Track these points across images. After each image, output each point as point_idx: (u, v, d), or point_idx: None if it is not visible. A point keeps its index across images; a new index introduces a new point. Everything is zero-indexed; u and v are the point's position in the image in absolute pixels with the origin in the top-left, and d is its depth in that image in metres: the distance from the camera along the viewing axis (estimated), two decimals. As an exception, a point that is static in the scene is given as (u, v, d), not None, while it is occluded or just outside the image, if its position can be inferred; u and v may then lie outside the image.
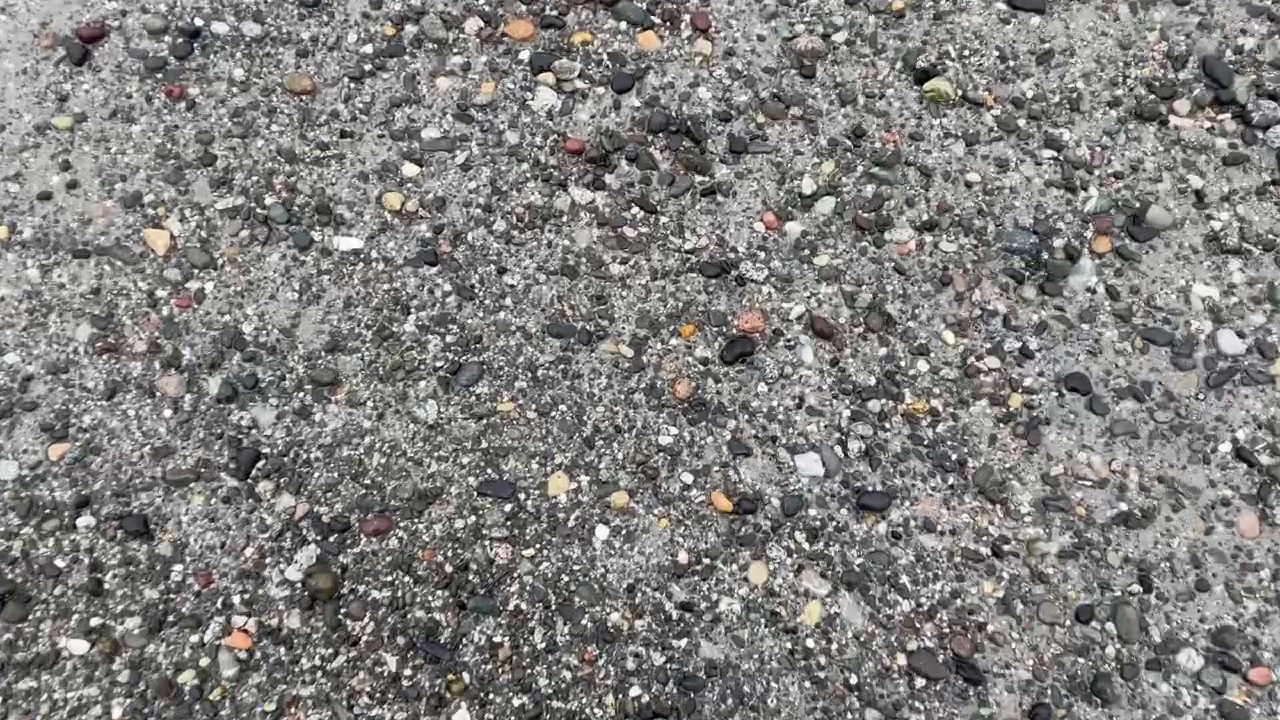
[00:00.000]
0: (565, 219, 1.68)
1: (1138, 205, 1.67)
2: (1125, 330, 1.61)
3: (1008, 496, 1.52)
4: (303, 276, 1.64)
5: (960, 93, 1.75)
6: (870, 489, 1.52)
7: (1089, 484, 1.53)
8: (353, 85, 1.75)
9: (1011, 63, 1.77)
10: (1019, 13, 1.80)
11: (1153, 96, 1.75)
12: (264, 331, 1.60)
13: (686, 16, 1.79)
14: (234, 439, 1.54)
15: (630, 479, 1.53)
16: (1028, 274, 1.64)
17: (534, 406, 1.57)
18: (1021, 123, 1.73)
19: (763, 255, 1.66)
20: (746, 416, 1.56)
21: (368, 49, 1.77)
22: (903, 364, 1.59)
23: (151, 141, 1.71)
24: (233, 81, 1.75)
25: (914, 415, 1.56)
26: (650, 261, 1.66)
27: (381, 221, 1.68)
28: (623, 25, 1.79)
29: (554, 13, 1.80)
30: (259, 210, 1.67)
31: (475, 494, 1.52)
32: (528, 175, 1.71)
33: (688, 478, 1.53)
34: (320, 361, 1.59)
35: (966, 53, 1.77)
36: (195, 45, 1.76)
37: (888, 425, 1.56)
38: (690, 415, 1.56)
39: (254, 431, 1.55)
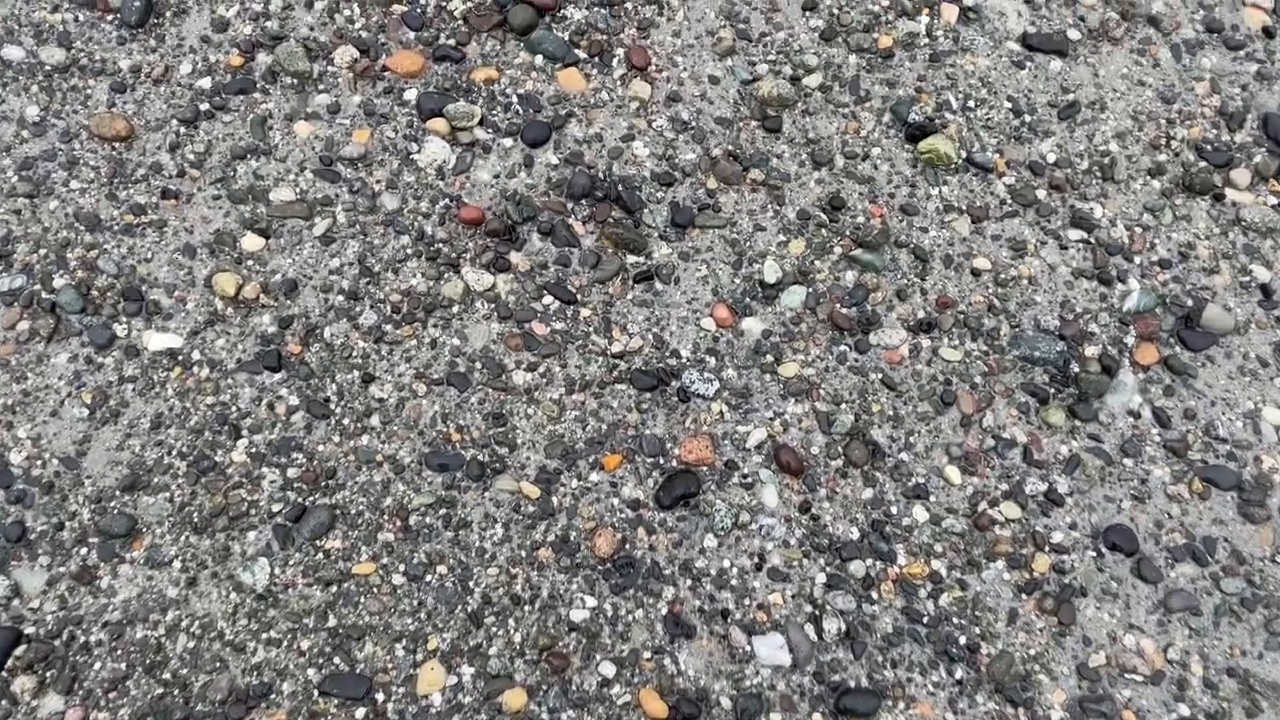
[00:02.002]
0: (456, 310, 1.28)
1: (1190, 303, 1.31)
2: (1179, 468, 1.24)
3: (1033, 696, 1.14)
4: (97, 386, 1.22)
5: (964, 154, 1.38)
6: (853, 685, 1.13)
7: (1139, 679, 1.15)
8: (183, 130, 1.35)
9: (1028, 117, 1.40)
10: (1035, 55, 1.44)
11: (1204, 164, 1.39)
12: (38, 462, 1.18)
13: (620, 51, 1.41)
14: (-16, 615, 1.12)
15: (530, 671, 1.13)
16: (1053, 392, 1.27)
17: (402, 568, 1.16)
18: (1041, 194, 1.37)
19: (712, 362, 1.27)
20: (689, 582, 1.17)
21: (205, 83, 1.37)
22: (894, 511, 1.21)
23: (-94, 200, 1.29)
24: (24, 122, 1.33)
25: (909, 582, 1.18)
26: (566, 368, 1.26)
27: (210, 312, 1.27)
28: (538, 60, 1.40)
29: (450, 42, 1.40)
30: (45, 295, 1.26)
31: (316, 693, 1.11)
32: (409, 252, 1.31)
33: (608, 669, 1.13)
34: (113, 504, 1.17)
35: (971, 104, 1.41)
36: (-24, 74, 1.35)
37: (875, 596, 1.17)
38: (614, 580, 1.17)
39: (15, 603, 1.13)
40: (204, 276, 1.28)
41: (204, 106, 1.36)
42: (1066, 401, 1.26)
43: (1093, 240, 1.34)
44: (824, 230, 1.34)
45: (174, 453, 1.20)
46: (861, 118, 1.40)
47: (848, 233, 1.34)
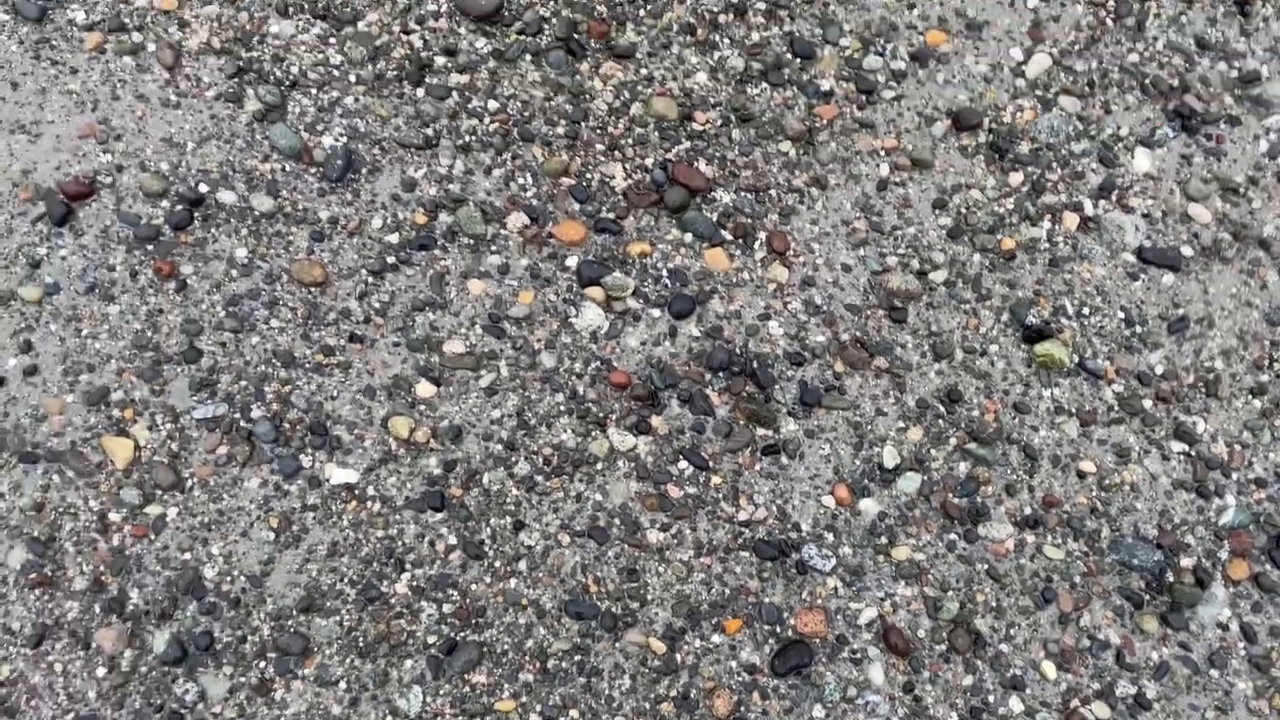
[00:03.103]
0: (600, 468, 1.42)
1: (1283, 523, 1.40)
2: (1262, 683, 1.32)
3: None
4: (283, 511, 1.38)
5: (1077, 359, 1.49)
6: None
7: None
8: (371, 280, 1.51)
9: (1138, 328, 1.51)
10: (1149, 268, 1.55)
11: (1305, 388, 1.48)
12: (229, 577, 1.34)
13: (762, 235, 1.55)
14: (175, 714, 1.27)
15: (648, 817, 1.24)
16: (1148, 598, 1.36)
17: (539, 708, 1.29)
18: (1147, 404, 1.47)
19: (831, 538, 1.39)
20: (796, 747, 1.28)
21: (393, 238, 1.53)
22: (991, 700, 1.31)
23: (130, 326, 1.47)
24: (233, 262, 1.51)
25: (1001, 768, 1.27)
26: (696, 531, 1.39)
27: (384, 451, 1.42)
28: (688, 238, 1.55)
29: (611, 215, 1.56)
30: (243, 423, 1.42)
31: (457, 818, 1.24)
32: (561, 409, 1.45)
33: (718, 822, 1.24)
34: (291, 623, 1.32)
35: (1086, 310, 1.52)
36: (196, 215, 1.53)
37: (968, 779, 1.27)
38: (728, 738, 1.28)
39: (200, 707, 1.28)
40: (381, 417, 1.44)
41: (390, 260, 1.52)
42: (1160, 609, 1.35)
43: (1193, 453, 1.44)
44: (941, 421, 1.45)
45: (346, 580, 1.35)
46: (982, 315, 1.52)
47: (963, 425, 1.45)
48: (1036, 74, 1.65)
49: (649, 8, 1.67)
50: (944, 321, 1.51)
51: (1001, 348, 1.50)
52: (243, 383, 1.45)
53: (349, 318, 1.49)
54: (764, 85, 1.63)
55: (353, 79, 1.62)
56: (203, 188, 1.54)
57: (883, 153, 1.60)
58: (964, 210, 1.57)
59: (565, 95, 1.62)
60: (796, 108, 1.62)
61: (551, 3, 1.67)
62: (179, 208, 1.53)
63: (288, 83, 1.61)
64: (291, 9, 1.65)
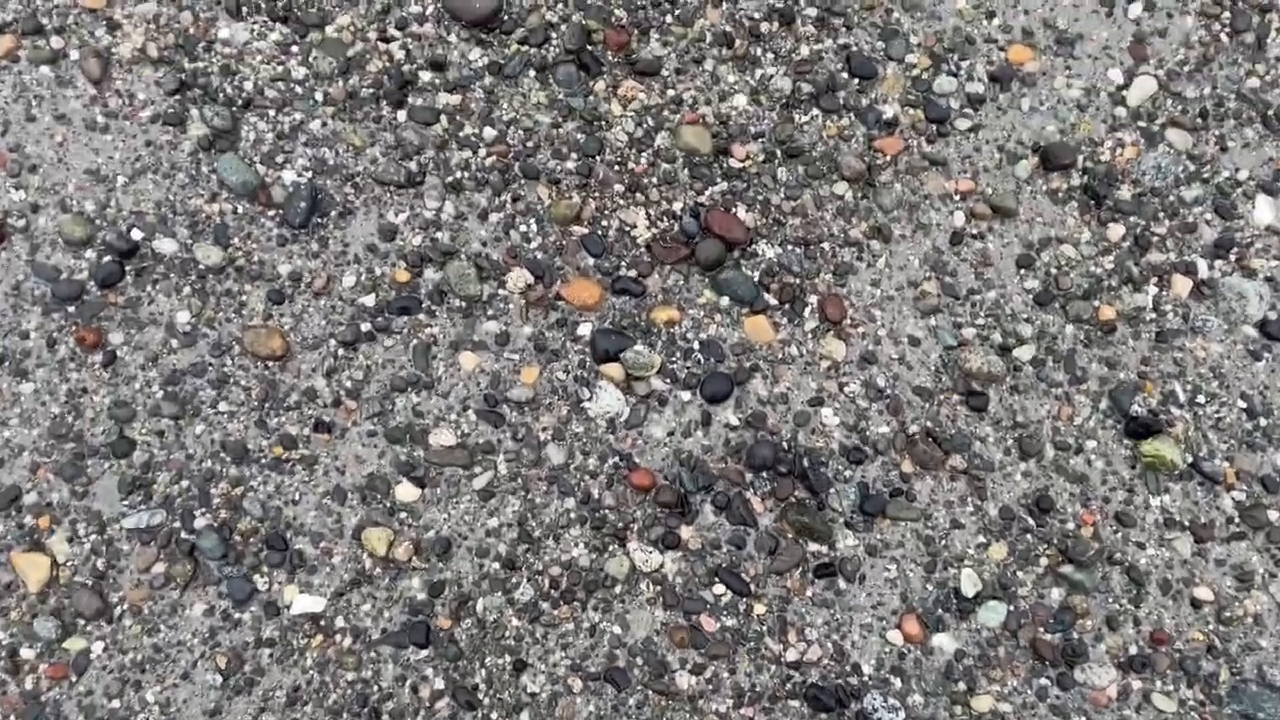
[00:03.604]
0: (619, 591, 1.18)
1: None
2: None
3: None
4: (233, 647, 1.13)
5: (1190, 459, 1.24)
6: None
7: None
8: (341, 352, 1.25)
9: (1263, 421, 1.26)
10: (1275, 344, 1.29)
11: None
12: (166, 733, 1.10)
13: (813, 299, 1.29)
14: None
15: None
16: (1279, 763, 1.13)
17: None
18: (1273, 516, 1.23)
19: (898, 684, 1.15)
20: None
21: (369, 300, 1.27)
22: None
23: (46, 410, 1.20)
24: (173, 329, 1.24)
25: None
26: (735, 675, 1.15)
27: (357, 570, 1.17)
28: (724, 302, 1.29)
29: (631, 273, 1.29)
30: (184, 535, 1.17)
31: None
32: (572, 516, 1.20)
33: None
34: (242, 792, 1.08)
35: (1201, 398, 1.27)
36: (128, 269, 1.26)
37: None
38: None
39: None
40: (353, 527, 1.18)
41: (365, 326, 1.26)
42: (1293, 776, 1.13)
43: (1331, 580, 1.20)
44: (1029, 535, 1.21)
45: (309, 737, 1.11)
46: (1076, 402, 1.26)
47: (1055, 540, 1.21)
48: (1139, 101, 1.38)
49: (677, 13, 1.39)
50: (1032, 410, 1.26)
51: (1100, 444, 1.25)
52: (184, 483, 1.19)
53: (314, 400, 1.23)
54: (815, 111, 1.36)
55: (320, 98, 1.33)
56: (136, 234, 1.27)
57: (957, 197, 1.34)
58: (1054, 270, 1.31)
59: (577, 121, 1.34)
60: (854, 140, 1.35)
61: (560, 5, 1.39)
62: (107, 259, 1.26)
63: (240, 102, 1.32)
64: (245, 9, 1.36)
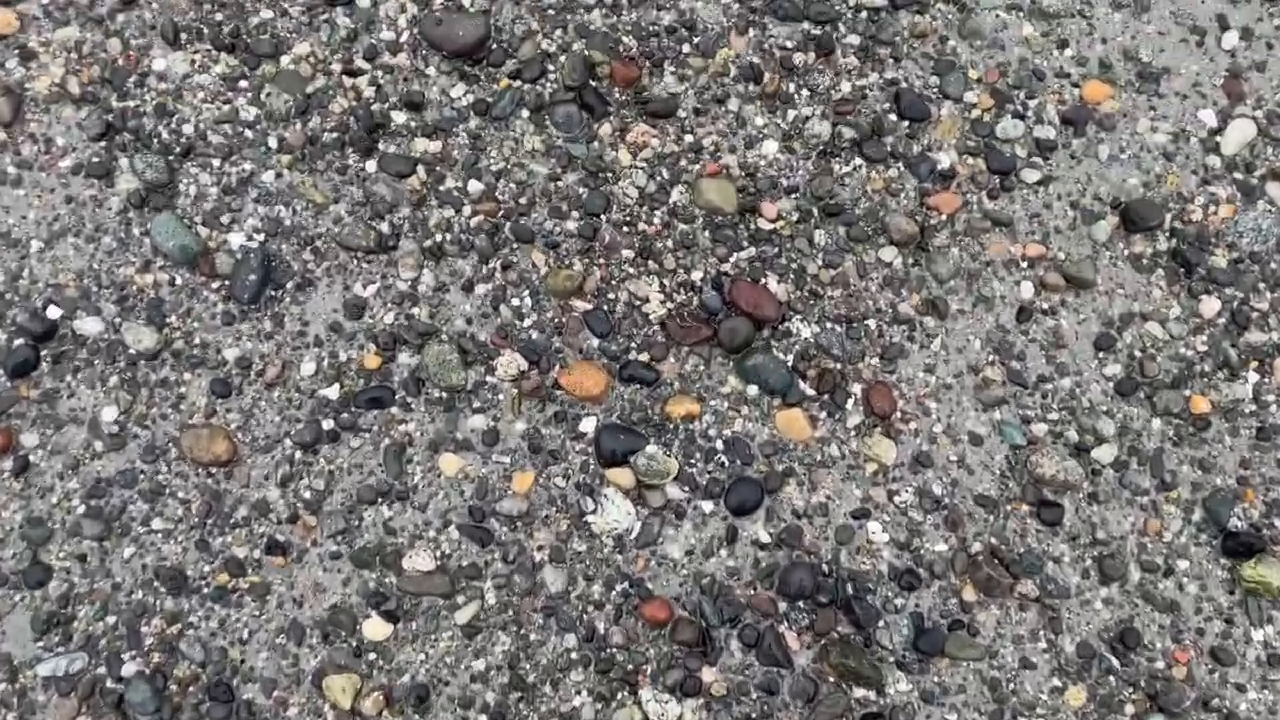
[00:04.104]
0: (629, 748, 0.99)
1: None
2: None
3: None
4: (169, 825, 0.95)
5: (1299, 584, 1.06)
6: None
7: None
8: (299, 456, 1.05)
9: (1384, 538, 1.08)
10: (1396, 445, 1.11)
11: None
12: None
13: (857, 388, 1.10)
14: None
15: None
16: None
17: None
18: (1399, 653, 1.05)
19: None
20: None
21: (331, 391, 1.07)
22: None
23: (-56, 531, 1.01)
24: (98, 429, 1.04)
25: None
26: None
27: (317, 726, 0.98)
28: (752, 391, 1.09)
29: (643, 357, 1.09)
30: (110, 683, 0.98)
31: None
32: (574, 657, 1.01)
33: None
34: None
35: (1311, 510, 1.08)
36: (44, 354, 1.06)
37: None
38: None
39: None
40: (313, 670, 1.00)
41: (328, 424, 1.06)
42: None
43: None
44: (1112, 677, 1.03)
45: None
46: (1165, 513, 1.08)
47: (1142, 683, 1.02)
48: (1236, 149, 1.18)
49: (696, 42, 1.18)
50: (1113, 523, 1.07)
51: (1194, 564, 1.06)
52: (110, 619, 1.00)
53: (267, 515, 1.04)
54: (858, 161, 1.16)
55: (274, 144, 1.13)
56: (53, 311, 1.07)
57: (1024, 264, 1.14)
58: (1138, 353, 1.12)
59: (578, 172, 1.14)
60: (904, 195, 1.15)
61: (558, 32, 1.18)
62: (18, 343, 1.06)
63: (178, 149, 1.12)
64: (184, 36, 1.15)
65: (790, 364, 1.10)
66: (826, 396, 1.09)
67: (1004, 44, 1.20)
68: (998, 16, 1.21)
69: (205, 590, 1.01)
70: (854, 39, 1.19)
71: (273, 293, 1.09)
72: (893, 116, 1.17)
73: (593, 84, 1.16)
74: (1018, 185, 1.16)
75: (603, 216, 1.13)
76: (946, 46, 1.20)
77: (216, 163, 1.12)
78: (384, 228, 1.11)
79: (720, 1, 1.20)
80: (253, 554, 1.02)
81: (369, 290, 1.10)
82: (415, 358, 1.08)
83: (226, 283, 1.09)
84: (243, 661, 1.00)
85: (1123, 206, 1.16)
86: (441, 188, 1.13)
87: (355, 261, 1.11)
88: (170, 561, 1.02)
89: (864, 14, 1.20)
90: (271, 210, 1.11)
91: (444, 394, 1.08)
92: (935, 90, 1.18)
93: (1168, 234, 1.16)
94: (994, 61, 1.20)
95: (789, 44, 1.19)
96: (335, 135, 1.13)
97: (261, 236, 1.10)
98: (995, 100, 1.18)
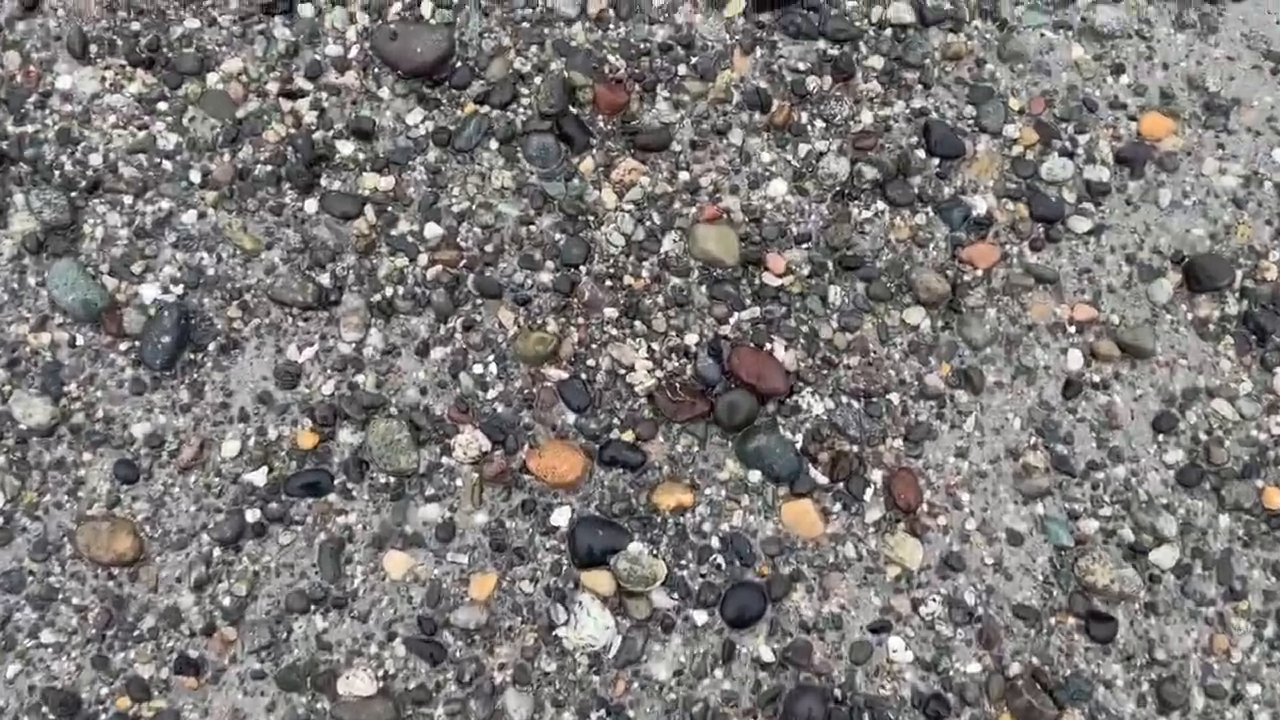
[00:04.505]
0: None
1: None
2: None
3: None
4: None
5: (1391, 716, 0.90)
6: None
7: None
8: (218, 555, 0.89)
9: None
10: None
11: None
12: None
13: (877, 476, 0.94)
14: None
15: None
16: None
17: None
18: None
19: None
20: None
21: (257, 476, 0.91)
22: None
23: None
24: (-20, 519, 0.88)
25: None
26: None
27: None
28: (754, 478, 0.93)
29: (626, 436, 0.93)
30: (-16, 834, 0.82)
31: None
32: (539, 798, 0.86)
33: None
34: None
35: (1405, 627, 0.93)
36: (-83, 429, 0.89)
37: None
38: None
39: None
40: (228, 817, 0.84)
41: (252, 516, 0.90)
42: None
43: None
44: (1172, 828, 0.88)
45: None
46: (1234, 628, 0.92)
47: (1207, 834, 0.87)
48: (1316, 195, 1.02)
49: (694, 62, 1.02)
50: (1174, 640, 0.92)
51: (1266, 688, 0.91)
52: (-14, 754, 0.84)
53: (178, 626, 0.88)
54: (880, 205, 1.00)
55: (196, 179, 0.96)
56: (-70, 378, 0.90)
57: (1072, 329, 0.98)
58: (1204, 436, 0.96)
59: (554, 215, 0.98)
60: (933, 245, 0.99)
61: (534, 50, 1.01)
62: (-114, 416, 0.89)
63: (83, 184, 0.95)
64: (95, 48, 0.98)
65: (799, 446, 0.94)
66: (841, 485, 0.93)
67: (1050, 69, 1.04)
68: (1043, 36, 1.05)
69: (103, 717, 0.85)
70: (877, 61, 1.03)
71: (191, 356, 0.93)
72: (921, 153, 1.01)
73: (573, 111, 0.99)
74: (1065, 235, 1.00)
75: (582, 268, 0.97)
76: (984, 71, 1.03)
77: (128, 200, 0.95)
78: (325, 279, 0.95)
79: (723, 14, 1.03)
80: (160, 673, 0.86)
81: (305, 354, 0.93)
82: (358, 435, 0.92)
83: (136, 344, 0.92)
84: (145, 805, 0.84)
85: (1186, 262, 1.00)
86: (394, 232, 0.96)
87: (290, 319, 0.94)
88: (62, 682, 0.86)
89: (889, 31, 1.04)
90: (192, 257, 0.94)
91: (391, 479, 0.91)
92: (970, 122, 1.02)
93: (1238, 295, 1.00)
94: (1039, 89, 1.03)
95: (801, 66, 1.02)
96: (270, 169, 0.97)
97: (179, 289, 0.94)
98: (1040, 135, 1.02)
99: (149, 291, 0.93)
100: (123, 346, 0.93)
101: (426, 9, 1.01)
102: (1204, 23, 1.06)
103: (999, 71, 1.04)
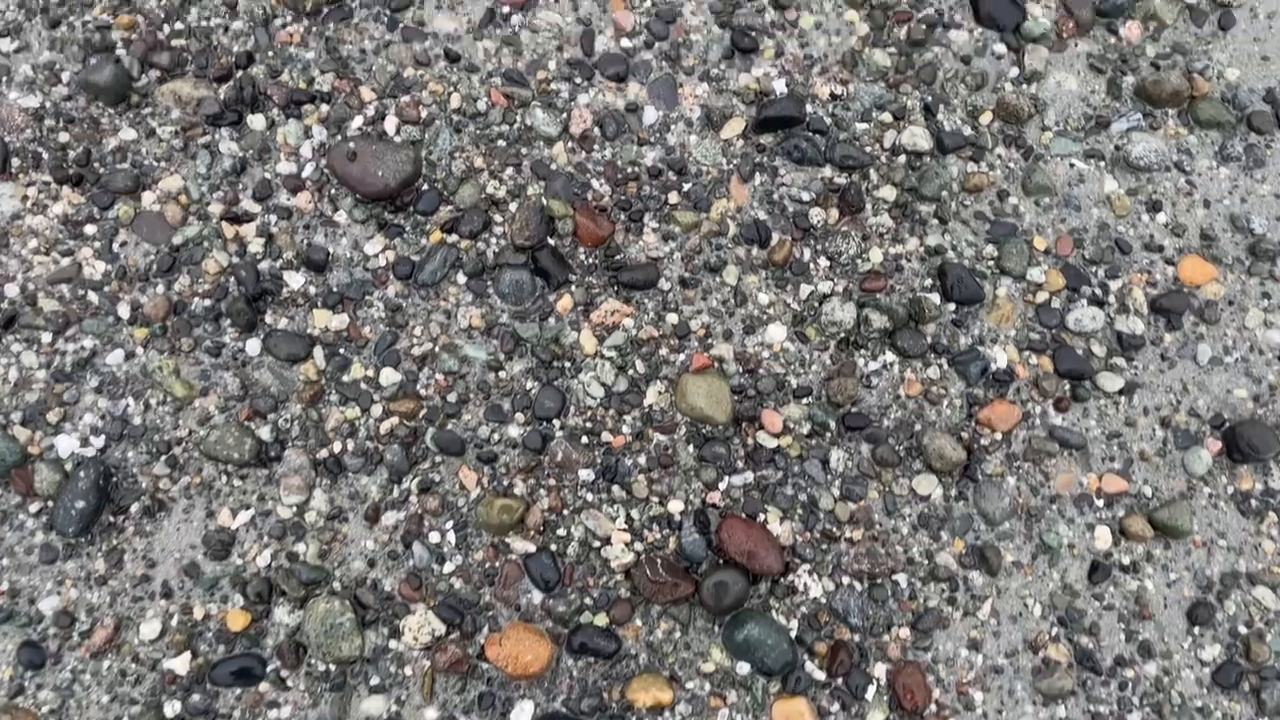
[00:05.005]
0: None
1: None
2: None
3: None
4: None
5: None
6: None
7: None
8: (129, 755, 0.78)
9: None
10: None
11: None
12: None
13: (880, 670, 0.83)
14: None
15: None
16: None
17: None
18: None
19: None
20: None
21: (179, 663, 0.80)
22: None
23: None
24: None
25: None
26: None
27: None
28: (742, 669, 0.82)
29: (599, 620, 0.83)
30: None
31: None
32: None
33: None
34: None
35: None
36: None
37: None
38: None
39: None
40: None
41: (172, 709, 0.79)
42: None
43: None
44: None
45: None
46: None
47: None
48: (1369, 352, 0.92)
49: (686, 189, 0.91)
50: None
51: None
52: None
53: (81, 840, 0.77)
54: (888, 356, 0.89)
55: (125, 313, 0.86)
56: None
57: (1099, 501, 0.88)
58: (1244, 629, 0.86)
59: (527, 360, 0.87)
60: (947, 403, 0.89)
61: (510, 172, 0.91)
62: None
63: (-3, 319, 0.85)
64: (17, 161, 0.88)
65: (794, 634, 0.83)
66: (840, 681, 0.83)
67: (1079, 204, 0.94)
68: (1072, 167, 0.95)
69: None
70: (889, 192, 0.93)
71: (110, 519, 0.82)
72: (935, 297, 0.91)
73: (551, 242, 0.89)
74: (1093, 394, 0.90)
75: (556, 421, 0.86)
76: (1006, 205, 0.94)
77: (47, 338, 0.85)
78: (265, 432, 0.84)
79: (720, 136, 0.93)
80: None
81: (240, 519, 0.83)
82: (296, 615, 0.81)
83: (48, 505, 0.82)
84: None
85: (1226, 427, 0.90)
86: (345, 378, 0.86)
87: (224, 478, 0.84)
88: None
89: (902, 159, 0.94)
90: (116, 405, 0.84)
91: (332, 667, 0.81)
92: (991, 263, 0.92)
93: (1283, 466, 0.90)
94: (1066, 227, 0.94)
95: (805, 196, 0.92)
96: (208, 303, 0.86)
97: (100, 440, 0.83)
98: (1067, 279, 0.92)
99: (65, 444, 0.83)
100: (33, 508, 0.82)
101: (390, 125, 0.91)
102: (1250, 155, 0.96)
103: (1023, 206, 0.94)
